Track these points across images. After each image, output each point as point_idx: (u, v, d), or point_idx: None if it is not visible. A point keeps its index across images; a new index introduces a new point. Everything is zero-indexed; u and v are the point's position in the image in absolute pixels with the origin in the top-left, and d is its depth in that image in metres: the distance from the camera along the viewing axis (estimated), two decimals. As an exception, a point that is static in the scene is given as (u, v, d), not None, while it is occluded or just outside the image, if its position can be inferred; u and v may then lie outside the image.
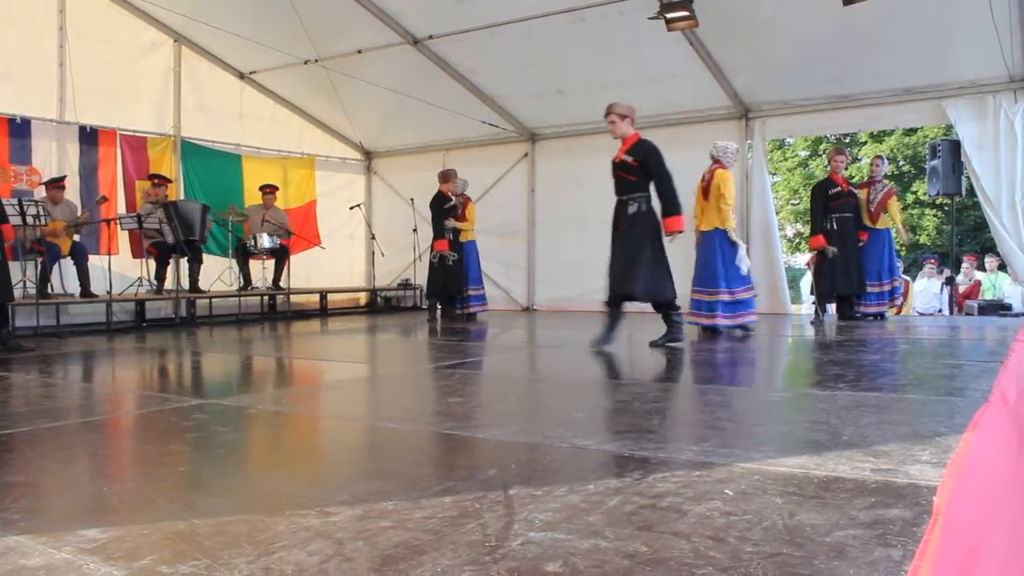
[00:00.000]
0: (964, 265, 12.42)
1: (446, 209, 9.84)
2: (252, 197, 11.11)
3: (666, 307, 6.35)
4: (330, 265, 12.46)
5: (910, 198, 21.89)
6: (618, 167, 6.29)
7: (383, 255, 12.27)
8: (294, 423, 3.59)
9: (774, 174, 23.43)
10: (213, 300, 10.14)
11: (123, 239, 9.63)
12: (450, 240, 9.85)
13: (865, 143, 22.13)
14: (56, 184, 8.56)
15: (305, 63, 10.33)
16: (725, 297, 7.25)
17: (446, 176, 9.94)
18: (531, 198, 11.73)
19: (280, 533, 1.87)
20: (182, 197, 10.33)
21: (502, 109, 11.09)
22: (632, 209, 6.18)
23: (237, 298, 10.29)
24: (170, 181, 9.99)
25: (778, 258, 10.27)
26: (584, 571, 1.61)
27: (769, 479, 2.28)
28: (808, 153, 24.18)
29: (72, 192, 8.99)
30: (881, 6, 7.19)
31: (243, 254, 10.54)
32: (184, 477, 2.53)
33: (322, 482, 2.49)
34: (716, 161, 7.48)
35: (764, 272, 10.16)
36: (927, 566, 1.56)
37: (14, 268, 8.19)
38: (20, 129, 8.78)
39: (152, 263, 9.56)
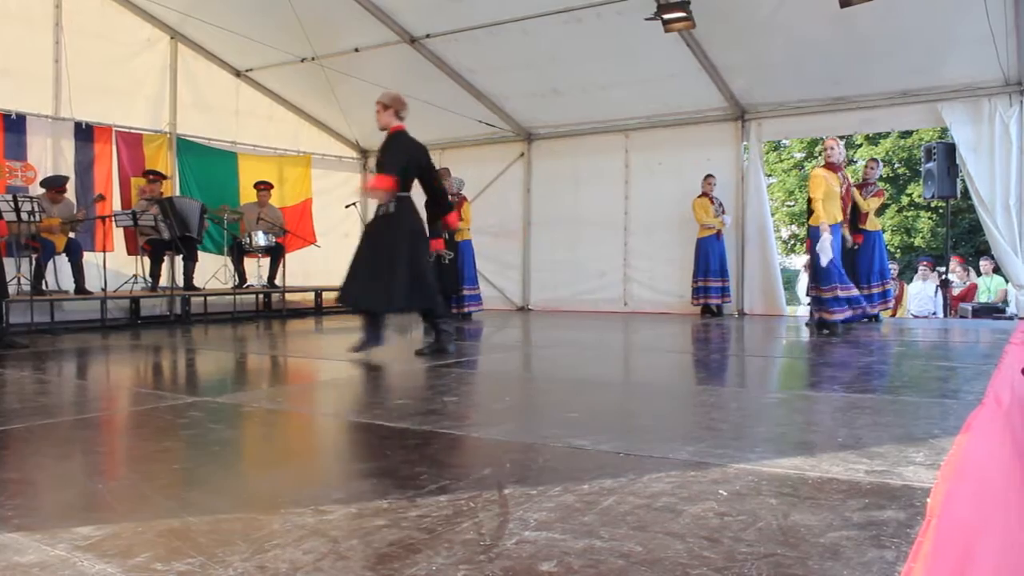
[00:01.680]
0: (952, 264, 12.44)
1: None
2: (248, 195, 11.09)
3: (431, 314, 5.98)
4: (325, 263, 12.42)
5: (905, 200, 21.94)
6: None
7: (378, 253, 12.24)
8: (289, 421, 3.59)
9: (770, 176, 23.50)
10: (208, 298, 10.11)
11: (118, 236, 9.61)
12: (445, 239, 9.85)
13: (861, 145, 22.17)
14: (58, 188, 8.52)
15: (302, 61, 10.32)
16: (839, 293, 7.17)
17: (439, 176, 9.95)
18: (527, 198, 11.74)
19: (275, 531, 1.87)
20: (178, 194, 10.30)
21: (499, 108, 11.09)
22: (382, 210, 5.75)
23: (232, 296, 10.27)
24: (166, 177, 9.96)
25: (773, 260, 10.30)
26: (579, 571, 1.61)
27: (764, 480, 2.29)
28: (804, 155, 24.23)
29: (68, 189, 8.96)
30: (878, 9, 7.21)
31: (238, 252, 10.52)
32: (179, 474, 2.53)
33: (317, 480, 2.49)
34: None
35: (759, 273, 10.19)
36: (920, 567, 1.56)
37: (9, 264, 8.18)
38: (15, 125, 8.75)
39: (147, 260, 9.54)
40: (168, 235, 9.16)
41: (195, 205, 9.67)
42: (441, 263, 9.84)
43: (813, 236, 7.27)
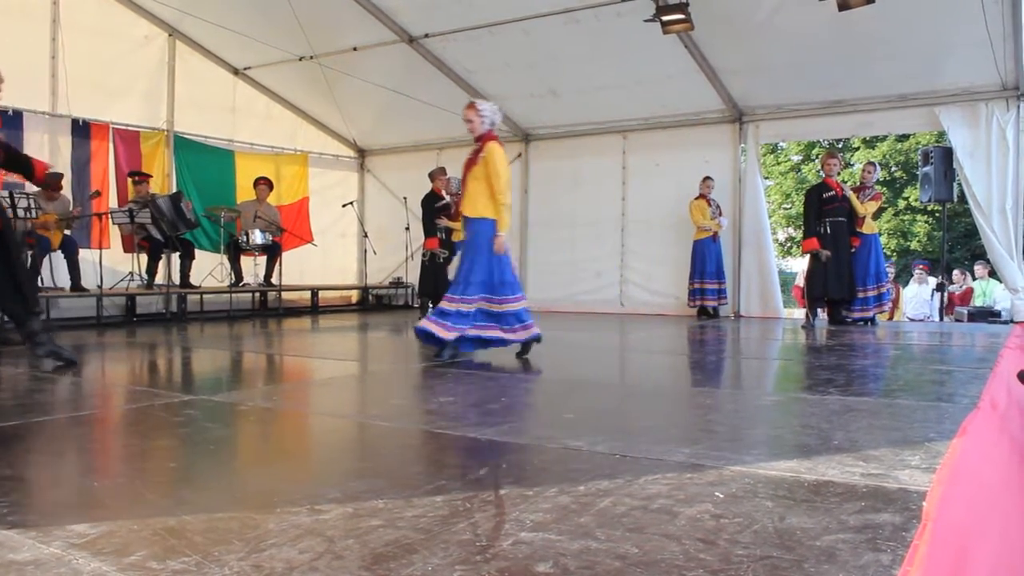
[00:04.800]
0: (955, 272, 12.53)
1: (438, 208, 9.87)
2: (245, 193, 11.08)
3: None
4: (322, 262, 12.44)
5: (902, 204, 21.99)
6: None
7: (375, 253, 12.26)
8: (285, 420, 3.58)
9: (767, 178, 23.53)
10: (204, 296, 10.11)
11: (114, 233, 9.58)
12: (441, 239, 9.87)
13: (858, 148, 22.22)
14: (53, 186, 8.49)
15: (300, 59, 10.31)
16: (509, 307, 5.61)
17: (433, 175, 10.02)
18: (524, 198, 11.74)
19: (271, 530, 1.86)
20: (174, 189, 10.26)
21: (496, 109, 11.08)
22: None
23: (228, 294, 10.26)
24: (150, 176, 9.89)
25: (770, 262, 10.30)
26: (575, 572, 1.61)
27: (760, 482, 2.29)
28: (801, 158, 24.27)
29: (64, 186, 8.93)
30: (876, 12, 7.23)
31: (235, 250, 10.50)
32: (174, 473, 2.52)
33: (313, 479, 2.49)
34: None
35: (756, 276, 10.20)
36: (916, 571, 1.56)
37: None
38: (12, 121, 8.73)
39: (143, 258, 9.52)
40: (161, 236, 9.16)
41: (167, 200, 9.44)
42: (436, 262, 9.86)
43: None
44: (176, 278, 9.86)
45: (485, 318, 5.49)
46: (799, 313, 11.37)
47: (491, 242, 5.39)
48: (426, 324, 5.37)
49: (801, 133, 12.62)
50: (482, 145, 5.46)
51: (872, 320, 8.81)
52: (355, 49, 10.09)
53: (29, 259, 8.16)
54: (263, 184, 10.75)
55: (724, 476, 2.36)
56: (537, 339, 5.72)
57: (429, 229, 9.93)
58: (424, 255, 10.01)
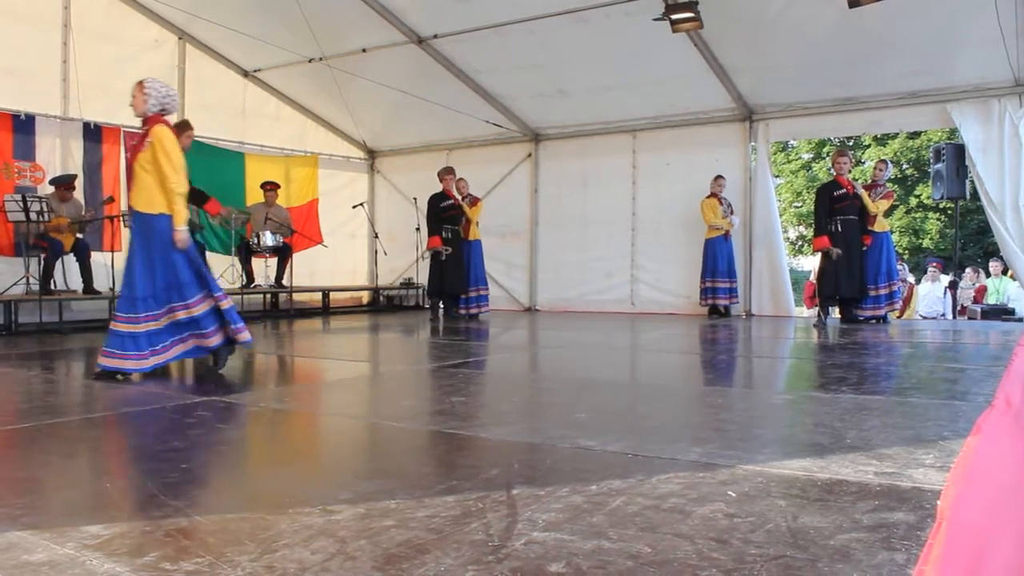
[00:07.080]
0: (968, 270, 12.47)
1: (443, 207, 9.89)
2: (254, 195, 11.10)
3: None
4: (333, 263, 12.46)
5: (913, 202, 21.87)
6: None
7: (386, 254, 12.28)
8: (296, 421, 3.59)
9: (777, 176, 23.44)
10: (215, 298, 10.13)
11: (126, 236, 9.62)
12: (445, 237, 9.87)
13: (869, 146, 22.10)
14: (67, 186, 8.57)
15: (309, 61, 10.33)
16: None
17: (441, 175, 10.05)
18: (534, 198, 11.73)
19: (283, 531, 1.87)
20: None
21: (506, 109, 11.08)
22: None
23: (239, 296, 10.29)
24: None
25: (781, 261, 10.25)
26: (587, 572, 1.61)
27: (772, 481, 2.28)
28: (811, 156, 24.18)
29: (76, 188, 8.99)
30: (887, 9, 7.18)
31: (246, 252, 10.54)
32: (186, 474, 2.53)
33: (325, 480, 2.49)
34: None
35: (767, 274, 10.16)
36: (931, 570, 1.55)
37: (16, 264, 8.21)
38: (24, 125, 8.78)
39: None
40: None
41: None
42: (439, 260, 9.87)
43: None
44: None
45: (184, 328, 4.80)
46: (808, 312, 11.34)
47: (170, 241, 4.70)
48: (108, 362, 4.54)
49: (811, 131, 12.55)
50: (148, 129, 4.97)
51: (884, 318, 8.77)
52: (364, 50, 10.10)
53: (42, 262, 8.22)
54: (270, 188, 10.78)
55: (737, 475, 2.35)
56: (247, 345, 5.06)
57: (432, 228, 9.93)
58: (426, 254, 10.04)
